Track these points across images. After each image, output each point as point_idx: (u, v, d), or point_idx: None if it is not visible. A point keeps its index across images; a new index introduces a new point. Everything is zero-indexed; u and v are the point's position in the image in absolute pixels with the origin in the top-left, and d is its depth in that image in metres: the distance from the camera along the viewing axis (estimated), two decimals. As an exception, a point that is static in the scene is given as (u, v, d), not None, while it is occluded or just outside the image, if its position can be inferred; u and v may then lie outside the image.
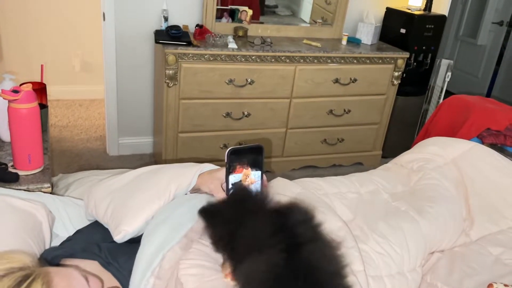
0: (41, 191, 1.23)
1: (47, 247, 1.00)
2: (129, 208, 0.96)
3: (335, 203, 1.40)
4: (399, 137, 3.35)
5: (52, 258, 0.91)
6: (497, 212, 1.55)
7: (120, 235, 0.93)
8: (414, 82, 3.22)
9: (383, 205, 1.42)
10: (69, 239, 1.00)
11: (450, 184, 1.55)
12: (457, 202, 1.51)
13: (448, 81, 3.32)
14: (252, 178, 0.87)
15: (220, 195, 0.90)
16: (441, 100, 3.31)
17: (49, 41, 3.63)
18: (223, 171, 0.91)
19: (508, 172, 1.62)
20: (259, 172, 0.88)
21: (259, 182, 0.88)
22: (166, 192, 0.98)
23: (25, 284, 0.65)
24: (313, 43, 2.84)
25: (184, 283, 0.83)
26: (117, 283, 0.89)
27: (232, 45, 2.59)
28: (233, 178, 0.85)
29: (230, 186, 0.85)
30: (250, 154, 0.85)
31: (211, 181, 0.93)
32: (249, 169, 0.86)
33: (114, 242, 0.94)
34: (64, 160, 2.85)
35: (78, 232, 1.01)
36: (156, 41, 2.53)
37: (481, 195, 1.58)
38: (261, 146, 0.86)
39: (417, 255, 1.28)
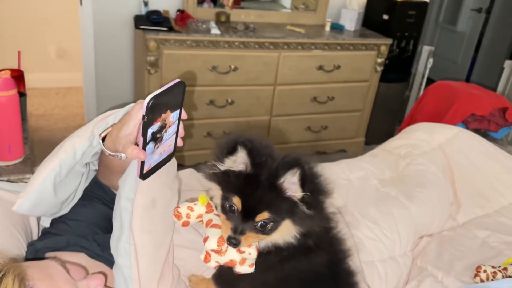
0: (23, 182, 1.18)
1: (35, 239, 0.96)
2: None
3: (325, 190, 1.39)
4: (381, 124, 3.37)
5: (36, 251, 0.88)
6: (482, 196, 1.57)
7: (16, 204, 0.87)
8: (397, 69, 3.24)
9: (373, 191, 1.42)
10: (49, 231, 0.95)
11: (437, 169, 1.56)
12: (444, 187, 1.52)
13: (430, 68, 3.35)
14: (170, 120, 0.75)
15: (133, 152, 0.73)
16: (422, 87, 3.34)
17: (23, 27, 3.48)
18: (129, 124, 0.78)
19: (493, 157, 1.64)
20: (177, 112, 0.76)
21: (176, 122, 0.78)
22: (60, 151, 0.90)
23: None
24: (297, 29, 2.82)
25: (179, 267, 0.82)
26: (107, 270, 0.86)
27: (215, 30, 2.54)
28: (151, 129, 0.72)
29: (148, 139, 0.72)
30: (170, 96, 0.73)
31: (119, 142, 0.78)
32: (168, 112, 0.73)
33: (105, 234, 0.91)
34: (42, 150, 2.75)
35: (60, 222, 0.96)
36: (137, 27, 2.46)
37: (467, 180, 1.59)
38: (182, 82, 0.75)
39: (407, 240, 1.28)
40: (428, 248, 1.34)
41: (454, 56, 4.69)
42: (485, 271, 1.20)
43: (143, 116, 0.69)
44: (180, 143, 0.82)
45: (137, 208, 0.85)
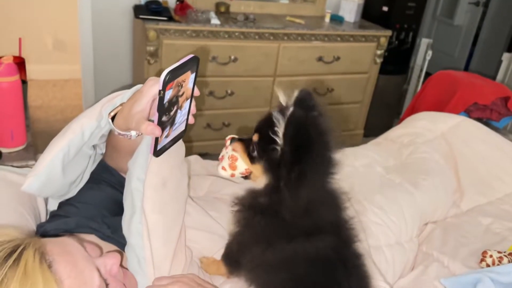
0: (28, 167, 1.17)
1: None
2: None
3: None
4: (380, 115, 3.37)
5: (47, 232, 0.87)
6: (485, 184, 1.58)
7: (25, 184, 0.86)
8: (396, 61, 3.24)
9: (378, 178, 1.42)
10: (57, 213, 0.95)
11: (440, 158, 1.57)
12: (448, 175, 1.53)
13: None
14: (184, 96, 0.74)
15: (148, 128, 0.71)
16: (421, 80, 3.34)
17: (20, 17, 3.44)
18: (142, 100, 0.76)
19: (496, 145, 1.65)
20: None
21: (189, 99, 0.77)
22: (68, 131, 0.89)
23: (15, 254, 0.62)
24: (297, 20, 2.80)
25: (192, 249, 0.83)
26: (118, 249, 0.86)
27: (215, 21, 2.52)
28: (166, 105, 0.71)
29: (163, 114, 0.71)
30: (184, 71, 0.72)
31: (131, 119, 0.76)
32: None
33: (113, 217, 0.90)
34: (41, 141, 2.73)
35: (68, 204, 0.95)
36: (136, 16, 2.44)
37: (470, 168, 1.60)
38: (196, 57, 0.73)
39: (413, 226, 1.29)
40: (433, 235, 1.34)
41: (451, 49, 4.69)
42: (491, 256, 1.21)
43: (159, 91, 0.68)
44: (191, 120, 0.82)
45: (148, 189, 0.84)
